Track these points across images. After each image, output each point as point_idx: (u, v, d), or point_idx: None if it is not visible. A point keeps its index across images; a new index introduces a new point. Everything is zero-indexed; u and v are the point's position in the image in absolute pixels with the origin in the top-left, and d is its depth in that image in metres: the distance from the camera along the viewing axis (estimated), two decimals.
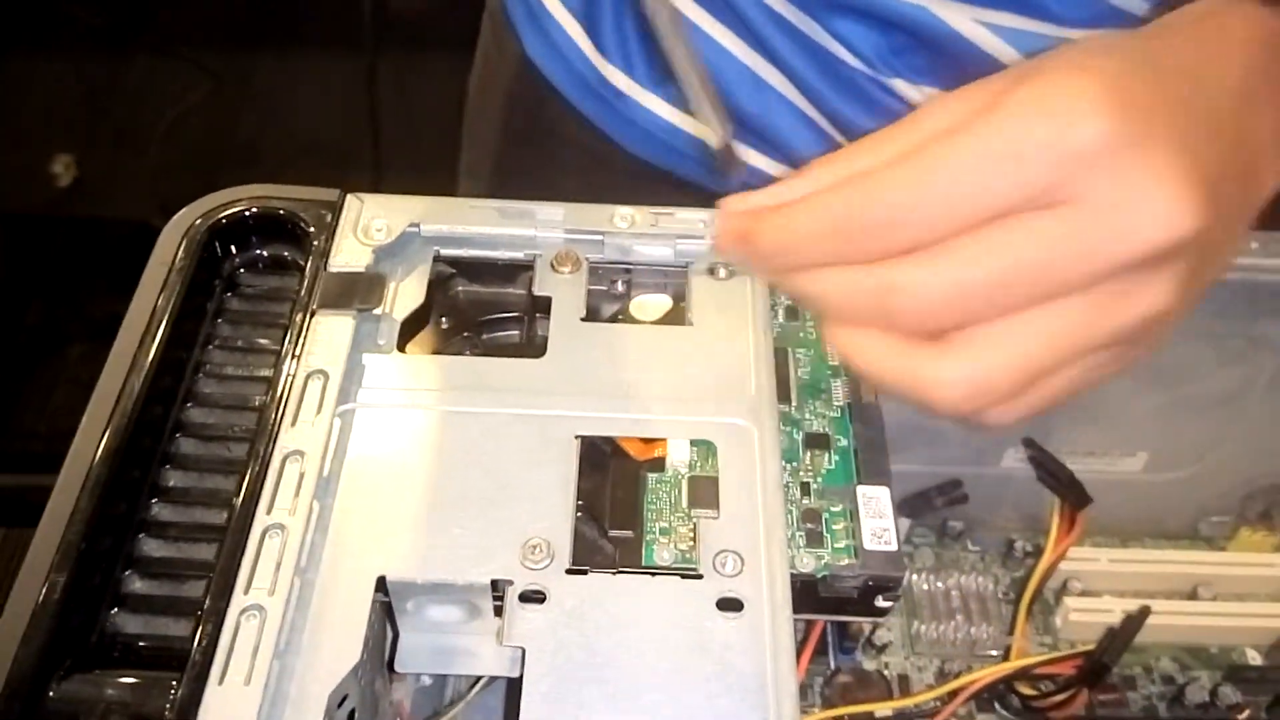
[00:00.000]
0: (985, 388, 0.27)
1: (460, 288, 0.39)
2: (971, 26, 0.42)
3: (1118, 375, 0.29)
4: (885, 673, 0.43)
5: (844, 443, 0.36)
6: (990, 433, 0.30)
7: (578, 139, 0.53)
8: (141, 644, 0.31)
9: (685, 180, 0.52)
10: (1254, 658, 0.45)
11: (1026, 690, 0.41)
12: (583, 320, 0.37)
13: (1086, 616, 0.43)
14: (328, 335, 0.35)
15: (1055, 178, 0.26)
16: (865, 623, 0.43)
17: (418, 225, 0.38)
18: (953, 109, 0.28)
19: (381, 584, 0.30)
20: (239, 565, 0.29)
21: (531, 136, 0.58)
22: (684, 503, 0.33)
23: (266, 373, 0.36)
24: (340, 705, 0.29)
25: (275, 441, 0.32)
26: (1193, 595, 0.46)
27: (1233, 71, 0.29)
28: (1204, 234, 0.26)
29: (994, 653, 0.44)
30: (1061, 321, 0.27)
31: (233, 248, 0.39)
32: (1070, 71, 0.26)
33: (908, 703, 0.41)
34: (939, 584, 0.46)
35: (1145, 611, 0.41)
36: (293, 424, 0.33)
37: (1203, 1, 0.31)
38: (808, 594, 0.33)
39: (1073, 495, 0.42)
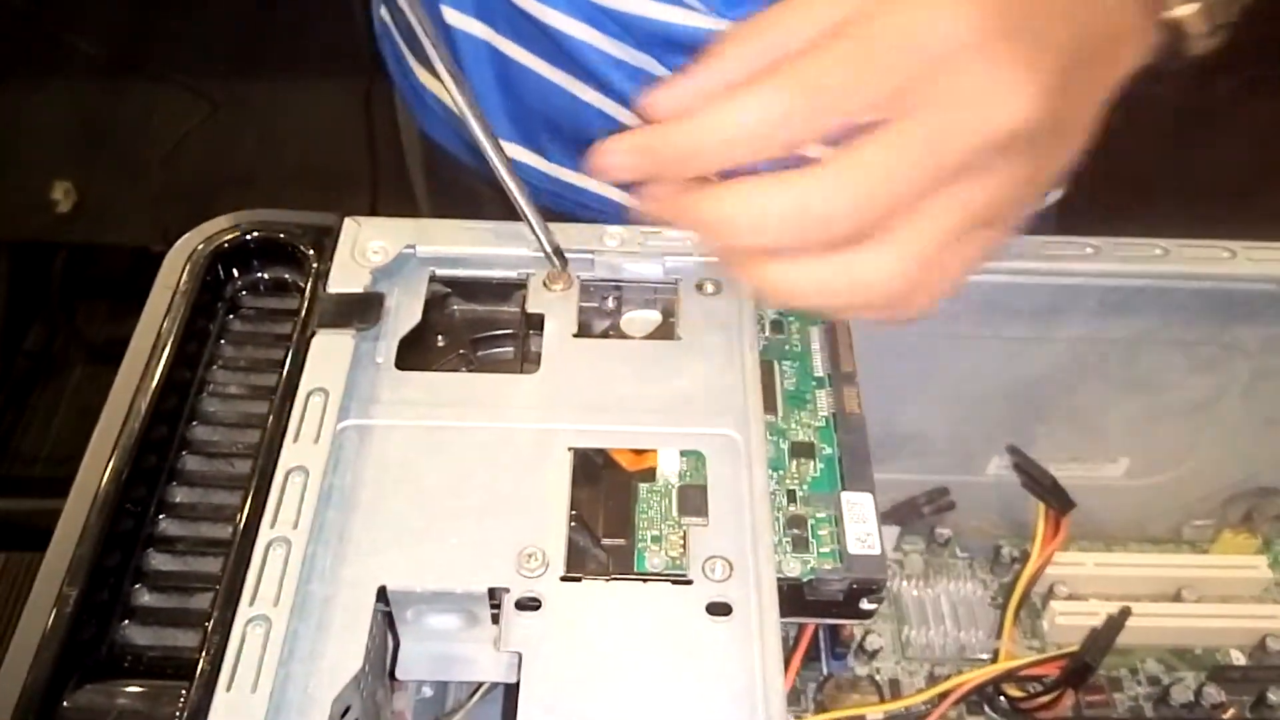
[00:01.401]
0: (912, 267, 0.31)
1: (456, 306, 0.41)
2: None
3: (993, 251, 0.33)
4: (876, 678, 0.44)
5: (828, 451, 0.37)
6: (919, 314, 0.33)
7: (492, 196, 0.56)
8: (150, 655, 0.32)
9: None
10: (1237, 658, 0.45)
11: (1014, 692, 0.42)
12: (575, 336, 0.38)
13: (1072, 620, 0.44)
14: (327, 354, 0.36)
15: (922, 73, 0.29)
16: (856, 628, 0.44)
17: (413, 247, 0.39)
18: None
19: (382, 594, 0.31)
20: (244, 577, 0.30)
21: (454, 197, 0.62)
22: (674, 511, 0.34)
23: (268, 391, 0.37)
24: (344, 715, 0.30)
25: (278, 458, 0.33)
26: (1177, 598, 0.47)
27: None
28: (1051, 117, 0.30)
29: (983, 656, 0.44)
30: (951, 201, 0.30)
31: (234, 271, 0.40)
32: None
33: (898, 706, 0.42)
34: (928, 590, 0.47)
35: (1126, 612, 0.42)
36: (294, 440, 0.34)
37: None
38: (794, 598, 0.34)
39: (1056, 500, 0.43)
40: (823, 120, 0.30)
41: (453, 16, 0.51)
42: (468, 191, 0.56)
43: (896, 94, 0.29)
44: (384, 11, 0.61)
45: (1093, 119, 0.33)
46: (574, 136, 0.52)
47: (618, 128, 0.49)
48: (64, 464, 1.29)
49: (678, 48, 0.46)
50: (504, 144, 0.52)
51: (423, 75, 0.57)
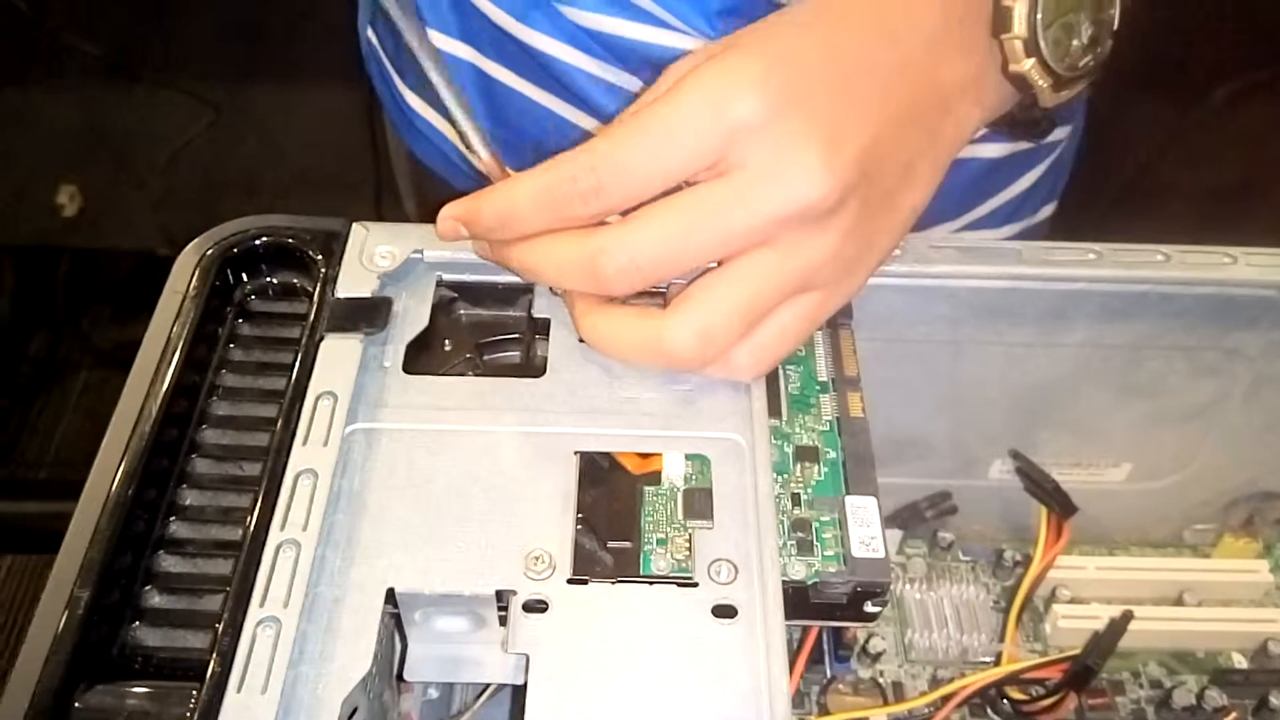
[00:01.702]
0: (711, 332, 0.33)
1: (462, 311, 0.41)
2: None
3: (822, 320, 0.35)
4: (880, 681, 0.44)
5: (832, 455, 0.37)
6: (740, 377, 0.36)
7: None
8: (161, 656, 0.32)
9: None
10: (1239, 661, 0.46)
11: (1016, 695, 0.42)
12: (581, 340, 0.38)
13: (1075, 623, 0.44)
14: (336, 358, 0.36)
15: (719, 147, 0.31)
16: (859, 631, 0.44)
17: (421, 252, 0.40)
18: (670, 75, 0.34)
19: (390, 596, 0.31)
20: (254, 579, 0.31)
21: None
22: (679, 514, 0.35)
23: (277, 394, 0.37)
24: (351, 717, 0.30)
25: (287, 460, 0.33)
26: (1178, 601, 0.47)
27: (931, 20, 0.34)
28: (855, 187, 0.31)
29: (986, 660, 0.45)
30: (754, 268, 0.32)
31: (244, 275, 0.41)
32: (740, 53, 0.31)
33: (901, 708, 0.42)
34: (931, 594, 0.47)
35: (1128, 615, 0.42)
36: (304, 443, 0.34)
37: None
38: (799, 600, 0.34)
39: (1058, 504, 0.43)
40: (625, 191, 0.32)
41: (438, 39, 0.52)
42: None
43: (698, 158, 0.31)
44: (370, 33, 0.61)
45: (933, 170, 0.35)
46: None
47: None
48: (69, 468, 1.30)
49: (662, 69, 0.47)
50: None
51: (411, 99, 0.58)
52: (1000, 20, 0.34)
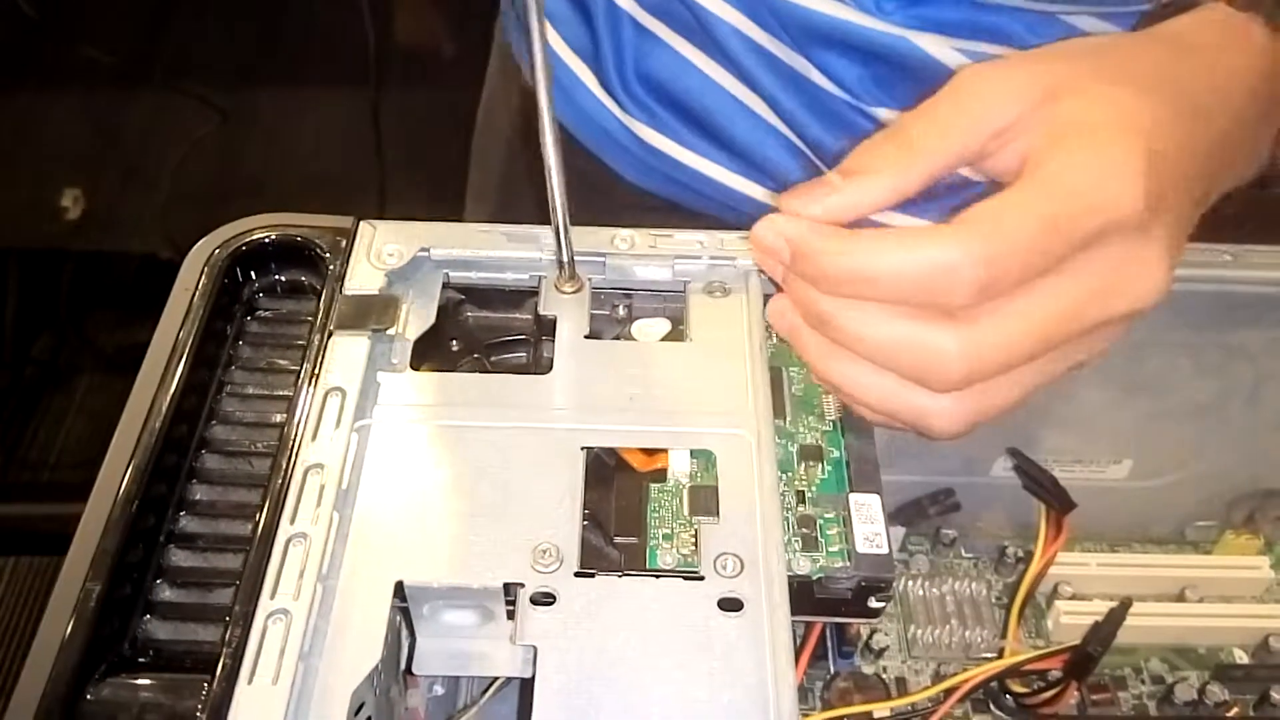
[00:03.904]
0: (979, 420, 0.30)
1: (469, 313, 0.41)
2: (951, 54, 0.44)
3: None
4: (883, 676, 0.44)
5: (836, 454, 0.37)
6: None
7: (581, 169, 0.55)
8: (172, 649, 0.32)
9: (692, 212, 0.54)
10: (1240, 657, 0.46)
11: (1019, 688, 0.43)
12: (586, 338, 0.38)
13: (1076, 619, 0.45)
14: (344, 355, 0.37)
15: (1093, 239, 0.28)
16: (863, 626, 0.44)
17: (428, 250, 0.40)
18: (1007, 111, 0.30)
19: (399, 589, 0.32)
20: (265, 572, 0.31)
21: (535, 164, 0.60)
22: (685, 510, 0.35)
23: (286, 391, 0.37)
24: (358, 713, 0.31)
25: (297, 456, 0.34)
26: (1180, 598, 0.47)
27: (1238, 99, 0.32)
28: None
29: (989, 655, 0.45)
30: (1053, 366, 0.30)
31: (252, 273, 0.41)
32: (1115, 135, 0.29)
33: (904, 702, 0.42)
34: (934, 590, 0.47)
35: (1128, 602, 0.42)
36: (313, 439, 0.34)
37: (1208, 10, 0.34)
38: (804, 595, 0.34)
39: (1057, 500, 0.43)
40: (1007, 285, 0.28)
41: None
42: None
43: (1059, 253, 0.28)
44: None
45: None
46: (700, 119, 0.51)
47: (748, 116, 0.49)
48: (72, 470, 1.30)
49: (826, 42, 0.46)
50: (630, 121, 0.52)
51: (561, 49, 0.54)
52: None
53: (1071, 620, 0.45)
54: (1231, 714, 0.44)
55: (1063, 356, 0.30)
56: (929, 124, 0.31)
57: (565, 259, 0.38)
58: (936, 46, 0.43)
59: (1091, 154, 0.29)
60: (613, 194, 0.54)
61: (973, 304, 0.28)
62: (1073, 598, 0.46)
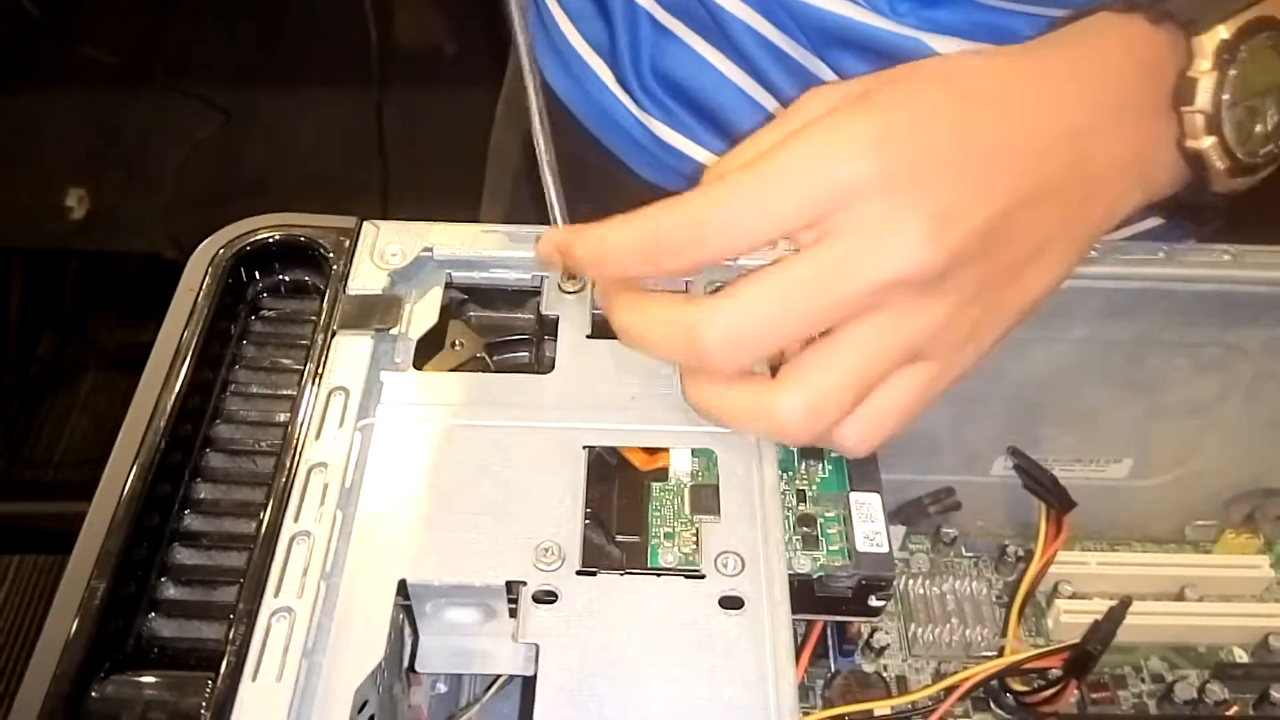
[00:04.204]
0: (820, 405, 0.31)
1: (472, 313, 0.41)
2: None
3: (942, 394, 0.33)
4: (884, 674, 0.44)
5: (836, 454, 0.37)
6: (852, 454, 0.34)
7: (596, 164, 0.55)
8: (176, 646, 0.32)
9: None
10: (1240, 656, 0.46)
11: (1019, 686, 0.43)
12: (588, 338, 0.39)
13: (1076, 618, 0.45)
14: (347, 354, 0.37)
15: (822, 208, 0.30)
16: (863, 625, 0.44)
17: (431, 249, 0.40)
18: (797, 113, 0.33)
19: (402, 587, 0.32)
20: (269, 570, 0.31)
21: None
22: (686, 509, 0.35)
23: (290, 390, 0.38)
24: (361, 710, 0.31)
25: (300, 454, 0.34)
26: (1179, 596, 0.47)
27: (1098, 92, 0.33)
28: (970, 260, 0.30)
29: (989, 654, 0.45)
30: (861, 336, 0.31)
31: (256, 273, 0.41)
32: (862, 112, 0.30)
33: (904, 700, 0.42)
34: (934, 589, 0.47)
35: (1127, 601, 0.42)
36: (316, 438, 0.34)
37: (1098, 17, 0.34)
38: (805, 594, 0.34)
39: (1057, 499, 0.43)
40: (724, 245, 0.31)
41: None
42: (568, 153, 0.57)
43: (792, 223, 0.30)
44: None
45: (1072, 250, 0.33)
46: (715, 117, 0.51)
47: (762, 114, 0.50)
48: (76, 469, 1.30)
49: (840, 43, 0.46)
50: (646, 117, 0.52)
51: (569, 32, 0.55)
52: (1183, 92, 0.33)
53: (1071, 619, 0.45)
54: (1231, 713, 0.44)
55: (861, 334, 0.31)
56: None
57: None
58: (949, 49, 0.44)
59: (819, 128, 0.30)
60: (627, 190, 0.54)
61: (695, 265, 0.32)
62: (1073, 596, 0.46)
